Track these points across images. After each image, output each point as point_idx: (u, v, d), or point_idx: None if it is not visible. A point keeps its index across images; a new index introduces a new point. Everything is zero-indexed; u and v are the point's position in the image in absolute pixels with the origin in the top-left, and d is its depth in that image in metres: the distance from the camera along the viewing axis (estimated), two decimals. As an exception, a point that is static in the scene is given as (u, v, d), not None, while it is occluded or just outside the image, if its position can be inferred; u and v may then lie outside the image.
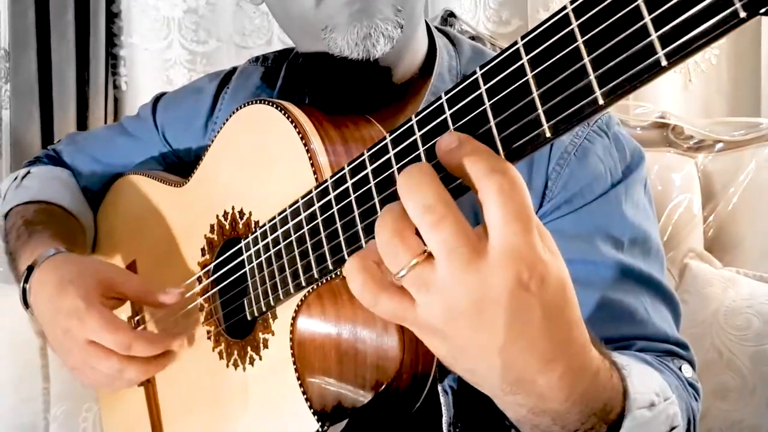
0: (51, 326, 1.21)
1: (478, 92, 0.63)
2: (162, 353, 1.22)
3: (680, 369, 1.12)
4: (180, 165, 1.52)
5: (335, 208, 0.87)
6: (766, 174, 2.02)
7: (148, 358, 1.19)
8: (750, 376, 1.75)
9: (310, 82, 1.34)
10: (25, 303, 1.29)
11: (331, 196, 0.87)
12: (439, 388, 1.16)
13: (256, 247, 1.05)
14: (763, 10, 0.47)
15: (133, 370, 1.18)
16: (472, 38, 1.94)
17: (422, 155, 0.71)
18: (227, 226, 1.16)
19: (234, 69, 1.51)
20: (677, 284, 1.94)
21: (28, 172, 1.56)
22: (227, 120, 1.16)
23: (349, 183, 0.83)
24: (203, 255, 1.23)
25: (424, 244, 0.66)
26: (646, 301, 1.17)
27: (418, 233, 0.66)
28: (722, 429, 1.78)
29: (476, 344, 0.68)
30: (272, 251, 1.01)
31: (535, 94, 0.59)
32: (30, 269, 1.27)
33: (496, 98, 0.62)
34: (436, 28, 1.35)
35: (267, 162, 1.08)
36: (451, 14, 2.38)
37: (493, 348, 0.67)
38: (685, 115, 2.27)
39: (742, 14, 0.48)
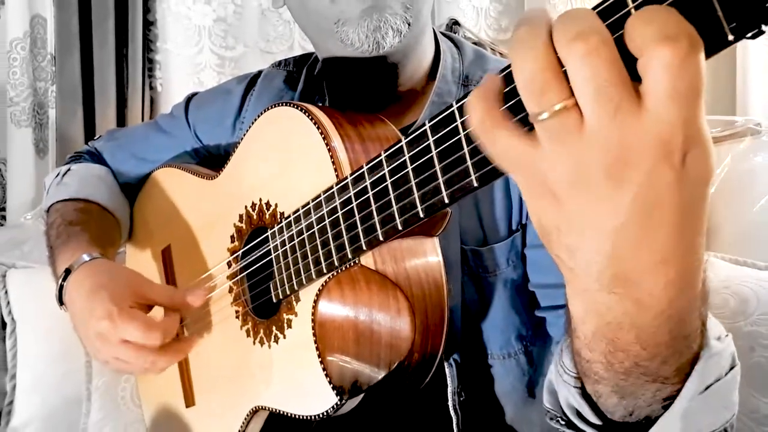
0: (84, 327, 1.22)
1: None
2: (188, 338, 1.26)
3: None
4: (211, 159, 1.51)
5: (354, 203, 0.88)
6: (741, 167, 2.02)
7: (176, 344, 1.22)
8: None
9: (329, 83, 1.34)
10: (60, 301, 1.30)
11: (351, 192, 0.88)
12: (445, 362, 1.17)
13: (282, 236, 1.06)
14: (749, 34, 0.47)
15: (164, 360, 1.20)
16: (475, 44, 1.93)
17: (435, 158, 0.71)
18: (255, 216, 1.16)
19: (259, 72, 1.51)
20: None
21: (69, 169, 1.56)
22: (255, 120, 1.15)
23: (368, 181, 0.84)
24: (232, 242, 1.23)
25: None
26: None
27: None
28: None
29: (592, 217, 0.56)
30: (296, 240, 1.02)
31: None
32: (67, 272, 1.28)
33: (506, 106, 0.61)
34: (442, 33, 1.35)
35: (292, 158, 1.07)
36: (456, 22, 2.37)
37: (609, 226, 0.56)
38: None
39: (730, 37, 0.47)
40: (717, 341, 0.73)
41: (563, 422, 0.87)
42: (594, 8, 0.53)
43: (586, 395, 0.81)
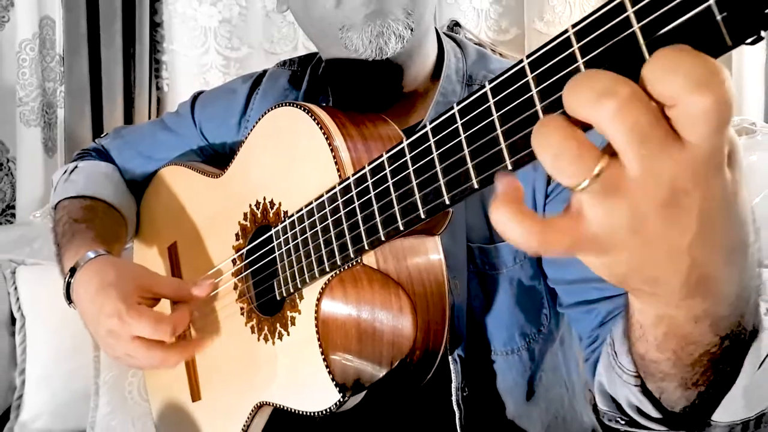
0: (94, 325, 1.22)
1: (487, 105, 0.62)
2: (196, 338, 1.26)
3: None
4: (216, 157, 1.51)
5: (356, 203, 0.88)
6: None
7: (185, 343, 1.22)
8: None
9: (333, 84, 1.34)
10: (68, 298, 1.30)
11: (353, 192, 0.88)
12: (449, 358, 1.16)
13: (285, 235, 1.05)
14: (749, 40, 0.47)
15: (175, 356, 1.20)
16: (476, 45, 1.93)
17: (436, 159, 0.71)
18: (259, 215, 1.16)
19: (264, 72, 1.50)
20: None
21: (76, 167, 1.55)
22: (259, 119, 1.15)
23: (370, 182, 0.84)
24: (237, 240, 1.23)
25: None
26: None
27: None
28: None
29: (665, 245, 0.54)
30: (300, 239, 1.02)
31: (539, 107, 0.57)
32: (73, 270, 1.27)
33: (504, 109, 0.60)
34: (445, 33, 1.34)
35: (295, 158, 1.07)
36: (456, 24, 2.37)
37: (682, 245, 0.54)
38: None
39: (729, 42, 0.47)
40: (765, 316, 0.74)
41: (623, 421, 0.87)
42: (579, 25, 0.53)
43: (646, 391, 0.81)
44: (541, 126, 0.52)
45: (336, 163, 0.97)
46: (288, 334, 1.08)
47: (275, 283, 1.10)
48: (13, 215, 2.54)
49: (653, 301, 0.63)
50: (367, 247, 0.88)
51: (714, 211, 0.53)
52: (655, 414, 0.81)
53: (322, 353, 0.97)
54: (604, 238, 0.54)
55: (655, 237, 0.53)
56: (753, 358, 0.72)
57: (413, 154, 0.75)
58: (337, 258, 0.94)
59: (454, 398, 1.18)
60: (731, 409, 0.75)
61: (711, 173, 0.51)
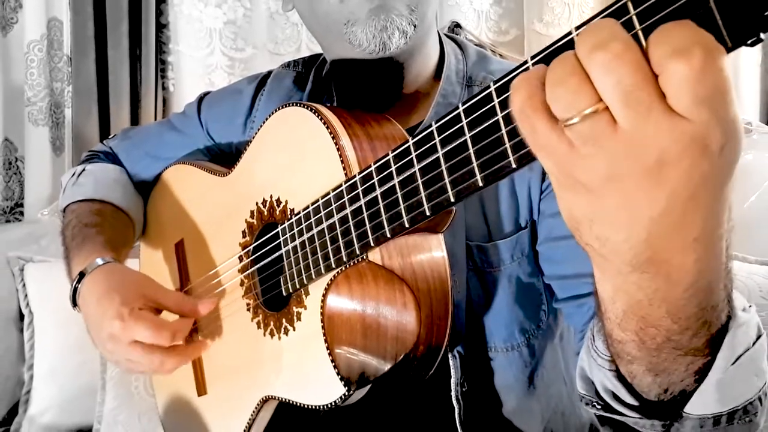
0: (96, 329, 1.23)
1: (492, 104, 0.63)
2: (197, 342, 1.28)
3: None
4: (222, 156, 1.51)
5: (362, 201, 0.88)
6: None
7: (184, 347, 1.24)
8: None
9: (336, 84, 1.34)
10: (74, 302, 1.30)
11: (359, 190, 0.89)
12: (449, 355, 1.17)
13: (292, 232, 1.06)
14: (748, 42, 0.47)
15: (173, 361, 1.21)
16: (476, 46, 1.93)
17: (441, 158, 0.72)
18: (266, 213, 1.16)
19: (269, 72, 1.50)
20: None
21: (84, 170, 1.56)
22: (266, 119, 1.15)
23: (375, 180, 0.84)
24: (244, 237, 1.23)
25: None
26: None
27: None
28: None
29: (627, 210, 0.55)
30: (306, 236, 1.02)
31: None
32: (81, 275, 1.28)
33: (509, 109, 0.61)
34: (446, 35, 1.35)
35: (302, 156, 1.07)
36: (457, 25, 2.38)
37: (645, 217, 0.55)
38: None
39: (729, 44, 0.48)
40: (743, 312, 0.74)
41: (599, 406, 0.87)
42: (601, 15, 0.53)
43: (621, 377, 0.81)
44: (559, 58, 0.53)
45: (342, 161, 0.97)
46: (294, 330, 1.09)
47: (281, 280, 1.10)
48: (22, 213, 2.55)
49: (604, 265, 0.64)
50: (372, 244, 0.89)
51: (687, 195, 0.53)
52: (630, 400, 0.81)
53: (327, 348, 0.98)
54: (575, 173, 0.56)
55: (624, 198, 0.54)
56: (726, 352, 0.72)
57: (418, 152, 0.76)
58: (343, 254, 0.95)
59: (453, 393, 1.19)
60: (704, 402, 0.75)
61: (697, 153, 0.50)
